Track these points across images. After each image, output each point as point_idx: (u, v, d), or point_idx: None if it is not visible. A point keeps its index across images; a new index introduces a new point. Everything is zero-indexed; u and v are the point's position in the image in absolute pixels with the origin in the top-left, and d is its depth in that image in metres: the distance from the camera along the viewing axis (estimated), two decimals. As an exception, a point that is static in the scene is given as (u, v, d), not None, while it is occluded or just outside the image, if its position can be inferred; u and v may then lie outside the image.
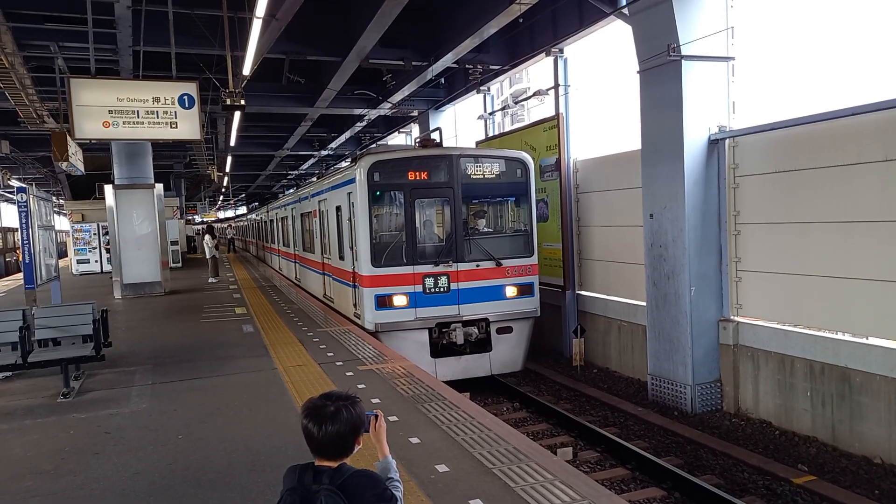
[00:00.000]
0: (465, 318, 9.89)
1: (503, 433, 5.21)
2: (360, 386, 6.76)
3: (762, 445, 7.79)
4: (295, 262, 18.86)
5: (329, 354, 8.38)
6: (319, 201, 13.73)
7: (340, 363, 7.87)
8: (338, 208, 11.64)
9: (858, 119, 7.01)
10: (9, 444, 5.55)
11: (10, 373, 7.72)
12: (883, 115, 6.76)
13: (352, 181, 10.22)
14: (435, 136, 11.72)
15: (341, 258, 11.55)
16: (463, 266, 9.92)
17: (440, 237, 10.37)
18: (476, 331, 9.91)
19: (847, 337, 7.40)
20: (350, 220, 10.55)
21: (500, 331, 10.14)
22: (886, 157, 6.76)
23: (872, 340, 7.10)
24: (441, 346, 9.89)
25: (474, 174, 10.12)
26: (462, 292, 9.91)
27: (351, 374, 7.34)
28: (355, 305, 10.59)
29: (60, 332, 7.63)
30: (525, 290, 10.27)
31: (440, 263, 9.85)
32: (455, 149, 10.51)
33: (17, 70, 10.84)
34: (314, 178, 18.82)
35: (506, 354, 10.24)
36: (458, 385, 8.89)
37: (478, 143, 15.65)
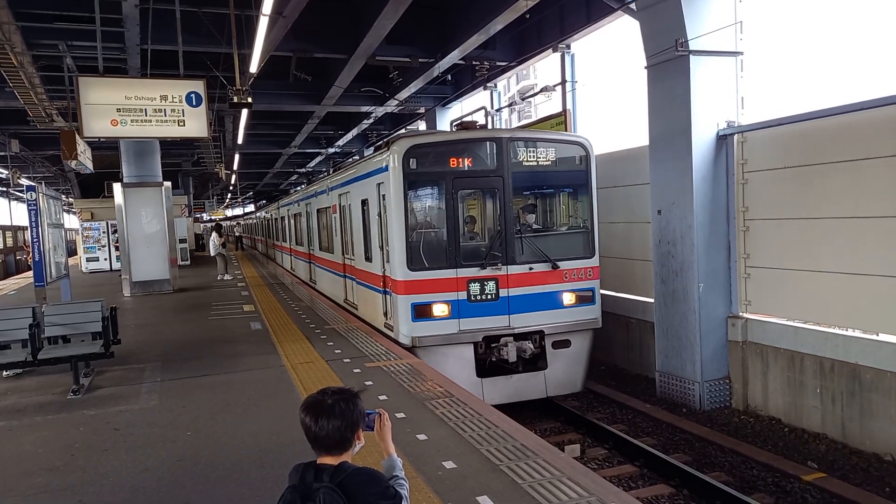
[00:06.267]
0: (516, 331, 8.57)
1: (510, 430, 5.21)
2: (367, 382, 6.77)
3: (771, 443, 7.76)
4: (310, 263, 17.59)
5: (337, 351, 8.40)
6: (340, 195, 12.38)
7: (348, 360, 7.89)
8: (363, 202, 10.36)
9: (868, 114, 6.95)
10: (19, 440, 5.59)
11: (21, 370, 7.78)
12: (893, 110, 6.69)
13: (383, 170, 8.93)
14: (478, 117, 10.53)
15: (367, 259, 10.29)
16: (514, 269, 8.62)
17: (487, 235, 9.10)
18: (531, 346, 8.54)
19: (857, 333, 7.35)
20: (380, 215, 9.34)
21: (556, 345, 8.83)
22: (897, 152, 6.70)
23: (883, 337, 7.05)
24: (489, 363, 8.61)
25: (527, 161, 8.75)
26: (513, 300, 8.60)
27: (358, 370, 7.36)
28: (386, 315, 9.35)
29: (70, 330, 7.69)
30: (585, 296, 8.96)
31: (487, 266, 8.53)
32: (504, 130, 9.12)
33: (26, 69, 10.90)
34: (326, 171, 18.35)
35: (563, 373, 8.92)
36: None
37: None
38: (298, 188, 26.75)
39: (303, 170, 36.74)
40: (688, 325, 8.94)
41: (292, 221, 20.85)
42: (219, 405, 6.34)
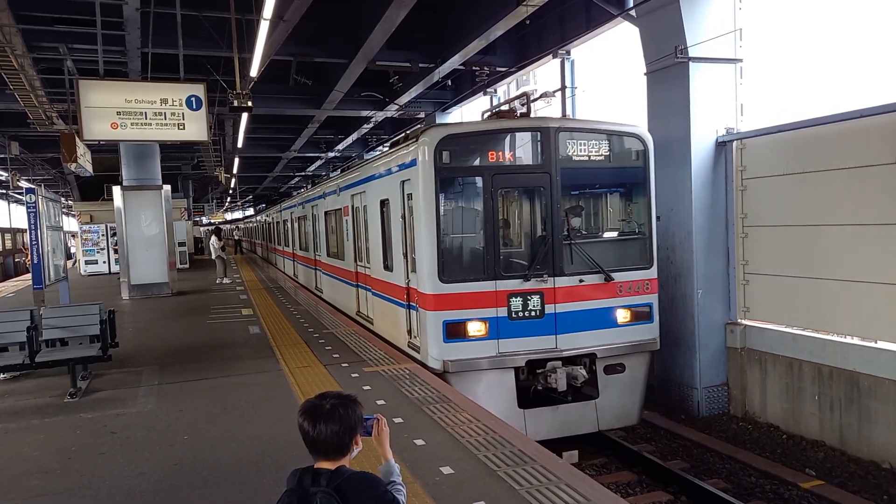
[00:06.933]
0: (564, 354, 7.42)
1: (508, 436, 5.19)
2: (365, 387, 6.75)
3: (769, 449, 7.75)
4: (315, 269, 16.32)
5: (335, 356, 8.39)
6: (353, 196, 11.22)
7: (346, 364, 7.87)
8: (382, 203, 9.22)
9: (867, 121, 6.97)
10: (16, 442, 5.58)
11: (18, 372, 7.76)
12: (891, 118, 6.71)
13: (409, 165, 7.87)
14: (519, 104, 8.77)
15: (387, 268, 9.14)
16: (562, 281, 7.46)
17: (525, 241, 7.99)
18: (583, 372, 7.37)
19: (855, 341, 7.35)
20: (404, 217, 8.22)
21: (608, 370, 7.71)
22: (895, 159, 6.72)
23: (881, 344, 7.05)
24: (533, 391, 7.53)
25: (577, 155, 7.62)
26: (560, 317, 7.46)
27: (356, 375, 7.34)
28: (410, 333, 8.26)
29: (68, 333, 7.68)
30: (642, 314, 7.85)
31: (531, 278, 7.38)
32: (551, 119, 7.83)
33: (26, 72, 10.92)
34: (326, 175, 17.91)
35: (617, 402, 7.77)
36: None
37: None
38: (301, 190, 26.30)
39: (302, 174, 36.79)
40: (686, 332, 8.94)
41: (296, 225, 19.76)
42: (216, 409, 6.33)
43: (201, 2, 11.06)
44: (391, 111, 18.42)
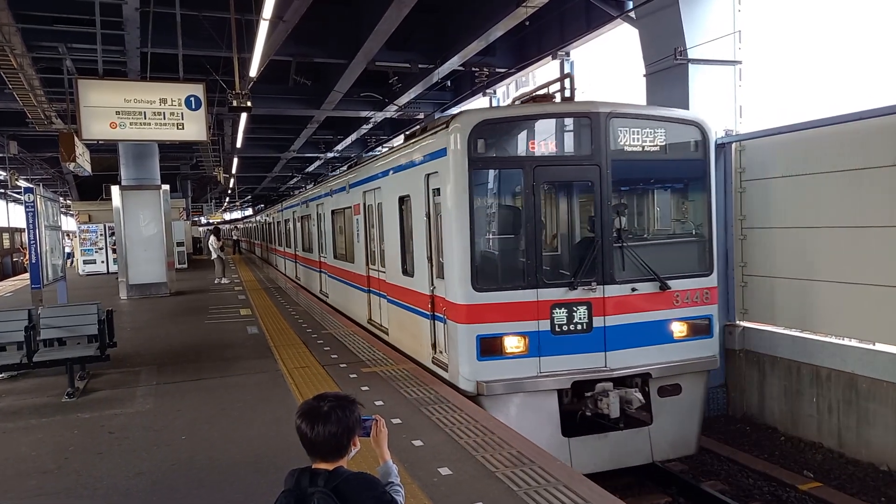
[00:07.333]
0: (615, 374, 6.54)
1: (507, 437, 5.19)
2: (363, 388, 6.75)
3: (768, 451, 7.75)
4: (320, 272, 15.33)
5: (333, 356, 8.38)
6: (366, 193, 10.32)
7: (344, 365, 7.87)
8: (402, 200, 8.39)
9: (866, 123, 6.97)
10: (14, 442, 5.56)
11: (16, 372, 7.74)
12: (890, 120, 6.72)
13: (436, 156, 7.00)
14: (558, 87, 7.69)
15: (406, 273, 8.31)
16: (612, 290, 6.58)
17: (577, 244, 7.09)
18: (639, 396, 6.48)
19: (854, 343, 7.36)
20: (428, 215, 7.38)
21: (663, 391, 6.83)
22: (895, 161, 6.72)
23: (879, 346, 7.05)
24: (579, 417, 6.56)
25: (629, 145, 6.73)
26: (610, 332, 6.57)
27: (355, 375, 7.34)
28: (435, 347, 7.39)
29: (66, 332, 7.67)
30: (700, 327, 6.99)
31: (578, 286, 6.49)
32: (602, 103, 6.74)
33: (25, 71, 10.92)
34: (325, 174, 17.49)
35: (673, 428, 6.86)
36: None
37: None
38: (304, 188, 25.96)
39: (300, 174, 36.80)
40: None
41: (298, 225, 18.79)
42: (214, 409, 6.32)
43: (201, 2, 11.06)
44: (390, 112, 18.44)
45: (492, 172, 6.72)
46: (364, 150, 26.55)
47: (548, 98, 7.35)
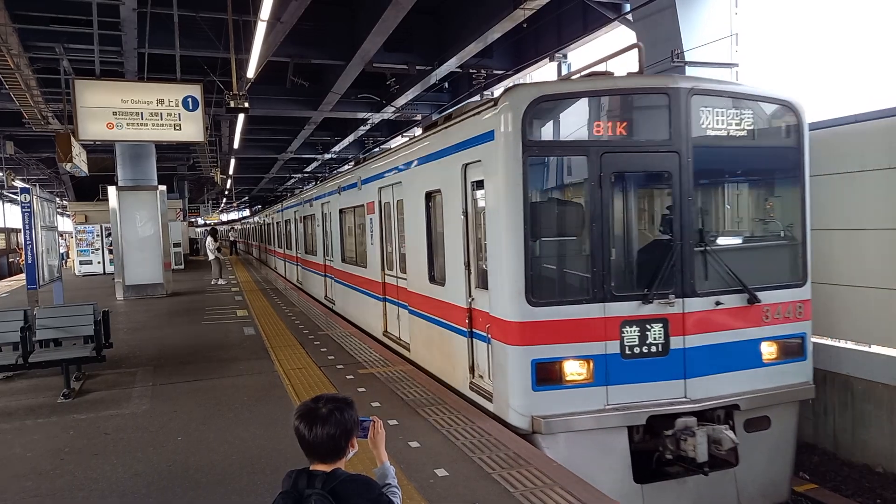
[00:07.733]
0: (697, 406, 5.40)
1: (503, 438, 5.19)
2: (360, 389, 6.75)
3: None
4: (325, 277, 14.24)
5: (330, 357, 8.37)
6: (381, 188, 9.23)
7: (341, 366, 7.86)
8: (429, 196, 7.30)
9: (865, 125, 6.98)
10: (9, 443, 5.55)
11: (12, 373, 7.72)
12: (888, 122, 6.73)
13: (477, 141, 5.84)
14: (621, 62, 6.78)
15: (434, 281, 7.21)
16: (693, 304, 5.47)
17: (651, 248, 5.92)
18: (732, 435, 5.32)
19: (849, 345, 7.36)
20: (466, 213, 6.27)
21: (749, 425, 5.71)
22: (890, 164, 6.74)
23: (874, 348, 7.06)
24: (656, 459, 5.50)
25: (713, 129, 5.58)
26: (691, 354, 5.46)
27: (351, 377, 7.34)
28: (473, 371, 6.29)
29: (62, 333, 7.65)
30: (792, 348, 5.91)
31: (652, 299, 5.39)
32: (682, 78, 5.90)
33: (22, 71, 10.91)
34: (323, 176, 16.90)
35: (762, 469, 5.80)
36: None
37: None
38: (299, 189, 25.73)
39: (298, 175, 36.79)
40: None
41: (300, 225, 17.66)
42: (210, 410, 6.31)
43: (198, 2, 11.06)
44: (388, 113, 18.46)
45: (550, 161, 5.61)
46: (361, 152, 26.58)
47: (607, 74, 6.11)
